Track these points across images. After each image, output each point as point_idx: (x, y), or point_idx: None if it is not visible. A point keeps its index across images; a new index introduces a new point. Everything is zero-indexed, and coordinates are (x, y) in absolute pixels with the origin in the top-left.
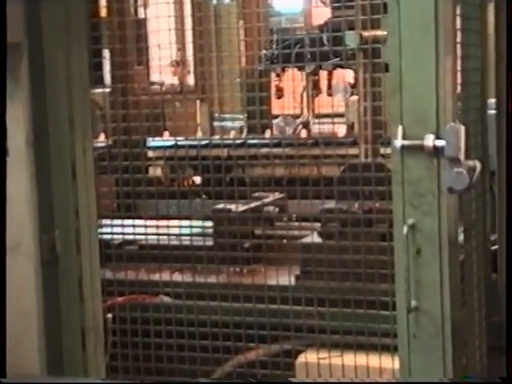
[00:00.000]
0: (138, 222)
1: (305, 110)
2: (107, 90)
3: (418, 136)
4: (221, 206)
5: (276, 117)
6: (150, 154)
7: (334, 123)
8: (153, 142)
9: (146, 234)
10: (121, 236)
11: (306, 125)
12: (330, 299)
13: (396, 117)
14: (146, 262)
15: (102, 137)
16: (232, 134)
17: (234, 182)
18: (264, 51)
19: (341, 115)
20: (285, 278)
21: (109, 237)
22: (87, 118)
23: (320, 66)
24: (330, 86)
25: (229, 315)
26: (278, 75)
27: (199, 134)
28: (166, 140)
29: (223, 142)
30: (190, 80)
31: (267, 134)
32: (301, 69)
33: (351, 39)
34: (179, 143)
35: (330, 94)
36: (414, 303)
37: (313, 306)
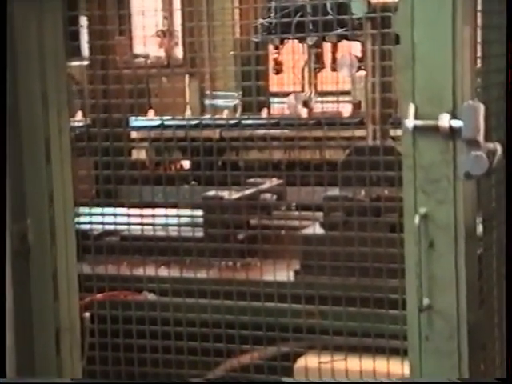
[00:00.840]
0: (119, 210)
1: (306, 87)
2: (85, 62)
3: (432, 115)
4: (212, 192)
5: (274, 94)
6: (134, 134)
7: (338, 101)
8: (136, 121)
9: (128, 224)
10: (100, 226)
11: (307, 103)
12: (332, 297)
13: (407, 94)
14: (128, 254)
15: (79, 115)
16: (225, 113)
17: (226, 166)
18: (261, 20)
19: (346, 93)
20: (283, 273)
21: (87, 226)
22: (63, 94)
23: (323, 37)
24: (334, 60)
25: (220, 314)
26: (276, 47)
27: (188, 113)
28: (151, 119)
29: (215, 121)
30: (178, 52)
31: (264, 113)
32: (302, 40)
33: (358, 7)
34: (166, 123)
35: (334, 69)
36: (426, 301)
37: (314, 304)
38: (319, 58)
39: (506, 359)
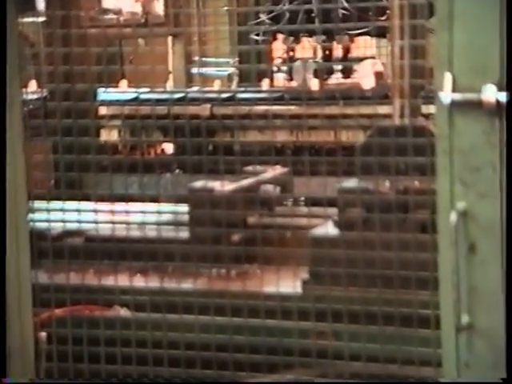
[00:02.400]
0: (84, 204)
1: (318, 52)
2: (41, 19)
3: (474, 87)
4: (200, 183)
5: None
6: (103, 110)
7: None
8: (106, 93)
9: (95, 222)
10: (61, 224)
11: (319, 73)
12: (349, 312)
13: (444, 60)
14: (95, 259)
15: (33, 85)
16: (217, 84)
17: (218, 150)
18: None
19: (368, 59)
20: (288, 284)
21: (44, 225)
22: (13, 58)
23: None
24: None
25: (210, 333)
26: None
27: (171, 84)
28: (125, 91)
29: (204, 95)
30: (158, 7)
31: (265, 84)
32: None
33: None
34: (143, 96)
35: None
36: (465, 319)
37: (326, 321)
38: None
39: (506, 359)
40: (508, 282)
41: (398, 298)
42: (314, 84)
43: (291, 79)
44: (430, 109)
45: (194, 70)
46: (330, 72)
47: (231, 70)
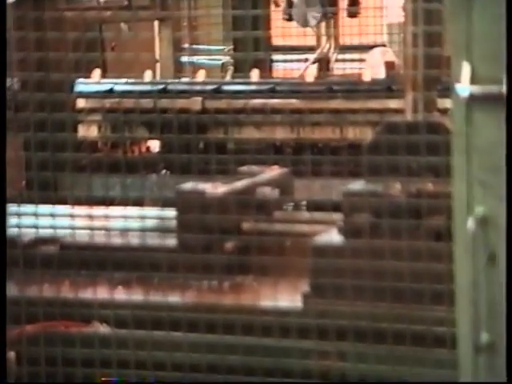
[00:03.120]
0: (59, 208)
1: (323, 40)
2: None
3: (495, 79)
4: (190, 185)
5: (277, 49)
6: (81, 103)
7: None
8: (85, 84)
9: (72, 228)
10: (33, 230)
11: (323, 62)
12: (355, 330)
13: (461, 49)
14: (71, 270)
15: None
16: (206, 74)
17: (210, 148)
18: None
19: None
20: (287, 297)
21: (14, 231)
22: None
23: None
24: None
25: (200, 353)
26: None
27: (158, 74)
28: (106, 82)
29: (195, 86)
30: None
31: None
32: None
33: None
34: (126, 87)
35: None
36: (485, 337)
37: (329, 339)
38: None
39: (506, 359)
40: (508, 282)
41: (409, 314)
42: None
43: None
44: (446, 103)
45: (184, 59)
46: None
47: (225, 58)
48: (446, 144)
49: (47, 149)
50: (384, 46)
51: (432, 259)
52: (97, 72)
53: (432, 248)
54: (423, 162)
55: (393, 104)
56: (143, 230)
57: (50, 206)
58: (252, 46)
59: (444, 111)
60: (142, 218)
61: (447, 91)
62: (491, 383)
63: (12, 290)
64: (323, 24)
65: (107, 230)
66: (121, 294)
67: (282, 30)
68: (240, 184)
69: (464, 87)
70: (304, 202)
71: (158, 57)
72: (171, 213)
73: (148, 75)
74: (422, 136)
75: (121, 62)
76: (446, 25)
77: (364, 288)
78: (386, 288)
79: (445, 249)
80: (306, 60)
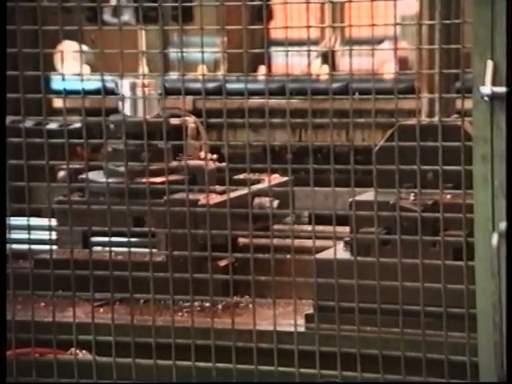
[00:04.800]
0: (35, 220)
1: (327, 32)
2: None
3: None
4: (180, 194)
5: (278, 43)
6: (57, 102)
7: (373, 49)
8: (61, 81)
9: (49, 243)
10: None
11: (328, 57)
12: (363, 357)
13: (484, 45)
14: (47, 289)
15: None
16: (200, 70)
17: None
18: None
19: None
20: (287, 320)
21: None
22: None
23: None
24: None
25: (191, 381)
26: None
27: (144, 70)
28: (85, 78)
29: (184, 84)
30: None
31: (261, 71)
32: None
33: None
34: (108, 84)
35: None
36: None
37: (334, 367)
38: None
39: (506, 359)
40: (508, 282)
41: (425, 340)
42: (324, 70)
43: None
44: (467, 104)
45: (172, 52)
46: None
47: (218, 53)
48: (466, 150)
49: (21, 153)
50: (396, 39)
51: (450, 279)
52: (86, 67)
53: (450, 267)
54: (441, 169)
55: (406, 105)
56: (128, 244)
57: (24, 218)
58: (249, 39)
59: (464, 114)
60: (128, 230)
61: (467, 91)
62: (491, 383)
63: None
64: (328, 14)
65: (89, 244)
66: (102, 317)
67: (281, 22)
68: (235, 194)
69: (486, 87)
70: (306, 214)
71: (141, 48)
72: (158, 225)
73: (140, 70)
74: (439, 141)
75: (102, 57)
76: (466, 17)
77: (373, 310)
78: (398, 311)
79: (464, 268)
80: (309, 54)
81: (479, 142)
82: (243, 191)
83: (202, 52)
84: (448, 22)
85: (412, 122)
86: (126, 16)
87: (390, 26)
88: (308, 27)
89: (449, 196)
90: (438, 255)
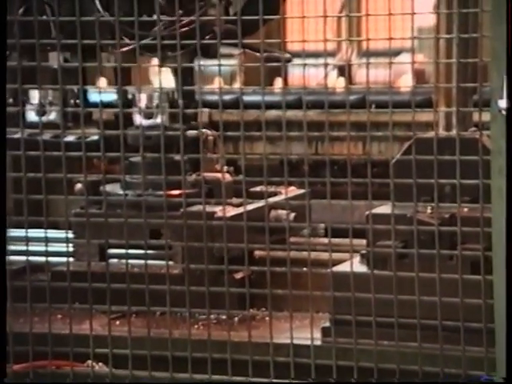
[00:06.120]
0: (52, 232)
1: (343, 44)
2: None
3: None
4: (196, 207)
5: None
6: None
7: (390, 63)
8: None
9: (66, 255)
10: (22, 257)
11: (344, 69)
12: (380, 371)
13: (501, 58)
14: (63, 302)
15: None
16: (216, 82)
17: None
18: None
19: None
20: (304, 333)
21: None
22: None
23: None
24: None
25: None
26: None
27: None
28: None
29: (201, 96)
30: None
31: (278, 84)
32: None
33: None
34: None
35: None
36: None
37: (350, 381)
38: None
39: (506, 359)
40: (508, 281)
41: (442, 355)
42: (340, 83)
43: None
44: (484, 117)
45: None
46: None
47: (234, 64)
48: (483, 164)
49: (39, 166)
50: (413, 51)
51: (468, 293)
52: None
53: (468, 281)
54: (458, 183)
55: (423, 117)
56: (145, 257)
57: (42, 230)
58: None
59: (481, 127)
60: (145, 243)
61: (485, 105)
62: (492, 382)
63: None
64: (344, 25)
65: (106, 257)
66: (119, 329)
67: (297, 34)
68: (252, 206)
69: (503, 100)
70: (322, 227)
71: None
72: (176, 238)
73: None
74: (456, 155)
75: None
76: (484, 30)
77: (390, 324)
78: (415, 325)
79: (482, 282)
80: (326, 66)
81: (497, 156)
82: (260, 204)
83: (219, 65)
84: (466, 35)
85: (429, 135)
86: None
87: (407, 39)
88: (325, 41)
89: (466, 209)
90: (456, 269)
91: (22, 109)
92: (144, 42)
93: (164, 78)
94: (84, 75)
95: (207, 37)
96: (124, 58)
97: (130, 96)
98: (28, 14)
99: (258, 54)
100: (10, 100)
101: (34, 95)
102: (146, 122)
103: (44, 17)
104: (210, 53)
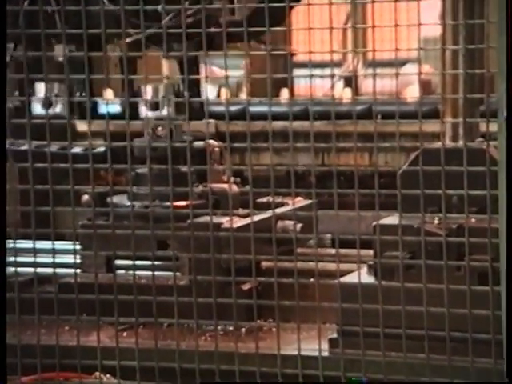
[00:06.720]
0: (59, 244)
1: (349, 54)
2: None
3: None
4: (203, 218)
5: (299, 65)
6: (81, 126)
7: (397, 74)
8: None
9: (74, 266)
10: (30, 269)
11: (350, 80)
12: (388, 383)
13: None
14: (71, 313)
15: None
16: (224, 93)
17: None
18: None
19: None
20: (312, 344)
21: (9, 270)
22: None
23: None
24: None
25: None
26: None
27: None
28: (109, 102)
29: (208, 107)
30: None
31: (284, 94)
32: None
33: None
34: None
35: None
36: None
37: None
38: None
39: (506, 359)
40: (508, 280)
41: (451, 366)
42: (346, 93)
43: None
44: (491, 128)
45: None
46: None
47: (240, 76)
48: (490, 174)
49: (46, 178)
50: (419, 61)
51: (475, 304)
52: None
53: (475, 292)
54: (465, 194)
55: (430, 128)
56: (152, 268)
57: (49, 242)
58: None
59: (488, 137)
60: (153, 254)
61: (492, 115)
62: (492, 383)
63: (6, 336)
64: (350, 35)
65: (113, 268)
66: (127, 341)
67: (303, 45)
68: (259, 217)
69: (504, 110)
70: (329, 237)
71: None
72: (183, 249)
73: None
74: (463, 166)
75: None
76: (491, 41)
77: (398, 335)
78: (424, 335)
79: (490, 292)
80: (333, 76)
81: (503, 166)
82: (267, 214)
83: (227, 77)
84: (472, 46)
85: (436, 145)
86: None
87: (413, 50)
88: (331, 52)
89: (473, 220)
90: (463, 280)
91: (28, 100)
92: (149, 31)
93: (169, 71)
94: (91, 87)
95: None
96: (130, 50)
97: (135, 88)
98: (33, 5)
99: (263, 46)
100: (16, 93)
101: (40, 89)
102: (151, 114)
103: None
104: (215, 44)
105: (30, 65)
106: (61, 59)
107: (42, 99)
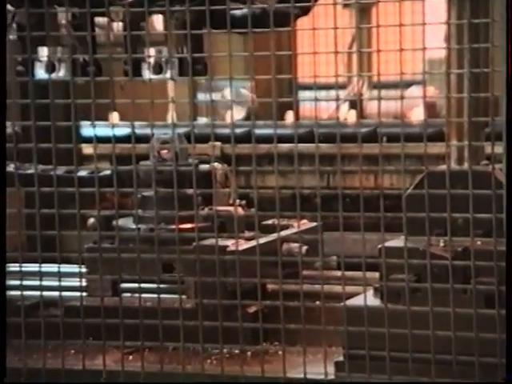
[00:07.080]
0: (66, 267)
1: (354, 78)
2: None
3: None
4: (209, 241)
5: (304, 87)
6: (87, 149)
7: (402, 98)
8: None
9: (80, 290)
10: (36, 292)
11: (355, 102)
12: None
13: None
14: (76, 337)
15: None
16: (229, 116)
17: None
18: None
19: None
20: (317, 367)
21: (14, 293)
22: None
23: None
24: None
25: None
26: (304, 11)
27: (172, 116)
28: (115, 126)
29: (214, 129)
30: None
31: (289, 117)
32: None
33: None
34: (138, 131)
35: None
36: None
37: None
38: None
39: (506, 359)
40: (508, 281)
41: None
42: (351, 116)
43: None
44: (496, 150)
45: (201, 98)
46: None
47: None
48: (496, 197)
49: (52, 202)
50: (424, 83)
51: (482, 328)
52: (115, 114)
53: (482, 315)
54: (471, 217)
55: (435, 150)
56: (158, 291)
57: (55, 265)
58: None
59: (494, 160)
60: (158, 277)
61: (498, 138)
62: (492, 383)
63: (12, 363)
64: (355, 59)
65: (119, 291)
66: (133, 364)
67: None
68: (264, 239)
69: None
70: (335, 259)
71: (170, 96)
72: (188, 272)
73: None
74: (469, 188)
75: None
76: (496, 63)
77: (404, 358)
78: (430, 359)
79: (496, 316)
80: (338, 99)
81: (510, 189)
82: (272, 237)
83: (232, 102)
84: (477, 70)
85: (441, 168)
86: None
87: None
88: (336, 76)
89: (479, 243)
90: (470, 303)
91: (32, 65)
92: None
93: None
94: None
95: None
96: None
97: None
98: None
99: (266, 5)
100: (19, 58)
101: (43, 52)
102: (154, 76)
103: None
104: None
105: (32, 29)
106: (63, 22)
107: (45, 62)
